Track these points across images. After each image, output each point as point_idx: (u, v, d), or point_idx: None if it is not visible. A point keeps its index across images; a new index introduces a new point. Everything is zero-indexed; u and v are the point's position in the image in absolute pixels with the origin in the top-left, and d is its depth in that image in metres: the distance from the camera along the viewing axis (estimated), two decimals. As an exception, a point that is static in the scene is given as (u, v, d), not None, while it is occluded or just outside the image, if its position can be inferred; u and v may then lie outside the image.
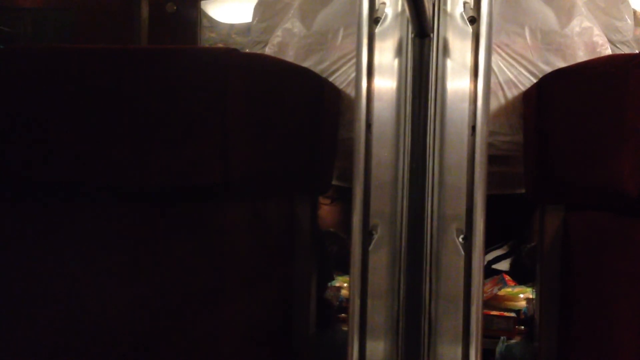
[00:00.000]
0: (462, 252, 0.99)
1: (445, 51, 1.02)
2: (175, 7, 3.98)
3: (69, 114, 1.05)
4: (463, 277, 0.99)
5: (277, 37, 1.45)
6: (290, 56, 1.40)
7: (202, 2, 3.96)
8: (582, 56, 1.31)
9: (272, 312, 1.18)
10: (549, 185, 1.15)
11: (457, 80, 1.01)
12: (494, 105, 1.26)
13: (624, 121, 0.98)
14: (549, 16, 1.32)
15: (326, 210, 2.46)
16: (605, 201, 1.05)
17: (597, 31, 1.36)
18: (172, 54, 1.07)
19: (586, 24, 1.34)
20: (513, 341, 1.53)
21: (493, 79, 1.24)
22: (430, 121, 1.04)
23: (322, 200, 2.26)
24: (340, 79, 1.33)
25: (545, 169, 1.14)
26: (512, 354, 1.46)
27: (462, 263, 0.99)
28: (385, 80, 1.03)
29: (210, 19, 3.99)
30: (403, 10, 1.03)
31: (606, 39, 1.39)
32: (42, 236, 1.09)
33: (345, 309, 1.87)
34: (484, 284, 1.00)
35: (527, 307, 1.92)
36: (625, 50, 1.47)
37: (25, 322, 1.10)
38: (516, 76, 1.28)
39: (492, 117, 1.25)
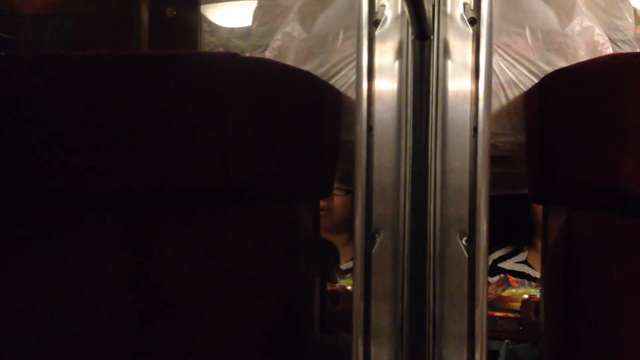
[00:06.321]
0: (466, 254, 0.98)
1: (446, 53, 1.02)
2: (175, 12, 3.99)
3: (68, 120, 1.05)
4: (467, 279, 0.98)
5: (277, 40, 1.44)
6: (290, 60, 1.39)
7: (201, 7, 3.97)
8: (583, 56, 1.30)
9: (274, 315, 1.18)
10: (552, 185, 1.14)
11: (458, 82, 1.01)
12: (495, 106, 1.25)
13: (626, 120, 0.98)
14: (550, 16, 1.31)
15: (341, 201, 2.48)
16: (609, 201, 1.04)
17: (598, 30, 1.35)
18: (172, 59, 1.07)
19: (587, 23, 1.33)
20: (518, 346, 1.53)
21: (494, 80, 1.23)
22: (432, 123, 1.04)
23: (336, 191, 2.26)
24: (341, 82, 1.32)
25: (548, 169, 1.14)
26: (517, 356, 1.46)
27: (465, 265, 0.98)
28: (386, 83, 1.03)
29: (210, 24, 4.01)
30: (403, 12, 1.03)
31: (607, 38, 1.39)
32: (43, 240, 1.09)
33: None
34: (487, 285, 0.99)
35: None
36: (627, 49, 1.47)
37: (25, 325, 1.10)
38: (517, 76, 1.27)
39: (494, 118, 1.24)
